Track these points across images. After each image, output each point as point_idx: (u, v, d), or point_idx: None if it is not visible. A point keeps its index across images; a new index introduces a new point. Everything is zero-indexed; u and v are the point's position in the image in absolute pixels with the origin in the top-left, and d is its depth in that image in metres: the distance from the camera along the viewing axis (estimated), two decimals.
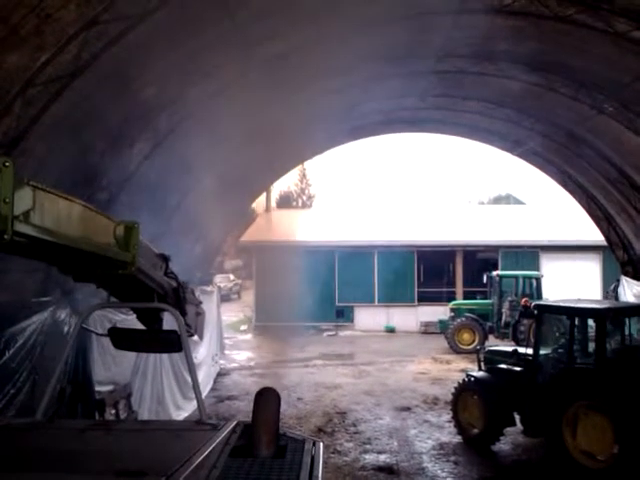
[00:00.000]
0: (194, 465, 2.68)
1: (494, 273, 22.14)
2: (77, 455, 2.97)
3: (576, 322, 9.77)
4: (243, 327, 27.78)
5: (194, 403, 9.05)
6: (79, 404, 6.30)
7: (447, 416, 11.62)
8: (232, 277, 43.43)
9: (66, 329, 7.28)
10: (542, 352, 9.97)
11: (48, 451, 3.07)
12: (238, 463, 3.03)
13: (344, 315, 26.57)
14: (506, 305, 20.68)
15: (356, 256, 26.56)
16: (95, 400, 7.49)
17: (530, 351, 10.11)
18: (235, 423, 3.66)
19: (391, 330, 25.88)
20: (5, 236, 2.16)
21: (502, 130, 18.71)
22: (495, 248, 26.74)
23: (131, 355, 8.71)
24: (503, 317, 20.65)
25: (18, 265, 7.87)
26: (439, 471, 9.29)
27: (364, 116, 17.99)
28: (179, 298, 4.48)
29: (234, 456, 3.13)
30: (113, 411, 7.81)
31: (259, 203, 31.87)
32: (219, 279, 29.49)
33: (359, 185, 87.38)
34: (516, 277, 21.74)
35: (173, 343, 4.23)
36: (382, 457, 9.92)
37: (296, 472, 2.98)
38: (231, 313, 30.29)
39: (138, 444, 3.28)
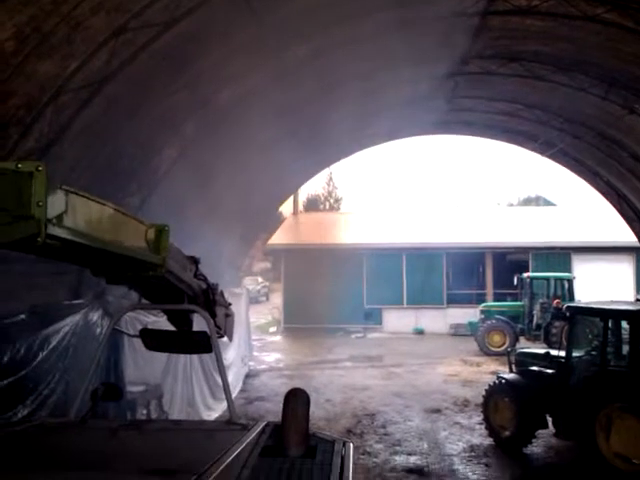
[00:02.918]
0: (224, 464, 2.70)
1: (525, 275, 21.88)
2: (109, 454, 3.01)
3: (609, 324, 9.60)
4: (272, 329, 27.89)
5: (224, 404, 9.12)
6: (111, 404, 6.39)
7: (478, 418, 11.51)
8: (260, 280, 43.65)
9: (98, 331, 7.40)
10: (575, 354, 9.82)
11: (80, 450, 3.12)
12: (268, 462, 3.04)
13: (372, 317, 26.49)
14: (537, 307, 20.42)
15: (384, 258, 26.47)
16: (127, 400, 7.59)
17: (562, 353, 9.96)
18: (265, 423, 3.68)
19: (420, 332, 25.73)
20: (38, 239, 2.19)
21: (531, 131, 18.50)
22: (525, 250, 26.42)
23: (162, 356, 8.81)
24: (534, 319, 20.38)
25: (50, 268, 8.03)
26: (470, 473, 9.20)
27: (389, 119, 17.95)
28: (209, 300, 4.51)
29: (264, 456, 3.15)
30: (145, 411, 7.91)
31: (286, 207, 32.00)
32: (247, 282, 29.66)
33: (386, 188, 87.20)
34: (547, 279, 21.44)
35: (203, 344, 4.27)
36: (412, 459, 9.86)
37: (327, 472, 2.98)
38: (260, 315, 30.43)
39: (169, 443, 3.32)
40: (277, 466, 3.01)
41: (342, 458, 3.25)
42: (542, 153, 19.75)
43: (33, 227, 2.14)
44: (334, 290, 23.75)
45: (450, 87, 15.36)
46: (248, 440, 3.23)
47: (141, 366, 8.28)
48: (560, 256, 25.90)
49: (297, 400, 3.44)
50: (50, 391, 6.57)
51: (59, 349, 6.84)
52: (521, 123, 17.97)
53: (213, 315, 4.48)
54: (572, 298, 19.91)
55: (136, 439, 3.33)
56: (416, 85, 14.86)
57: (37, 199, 2.15)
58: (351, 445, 3.53)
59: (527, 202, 52.16)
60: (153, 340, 4.60)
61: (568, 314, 10.17)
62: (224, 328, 4.94)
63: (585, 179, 20.08)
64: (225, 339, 5.49)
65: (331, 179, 55.63)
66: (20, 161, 2.18)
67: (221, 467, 2.64)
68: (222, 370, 4.22)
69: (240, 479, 2.77)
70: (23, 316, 6.37)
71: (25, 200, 2.12)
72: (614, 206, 19.58)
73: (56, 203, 2.31)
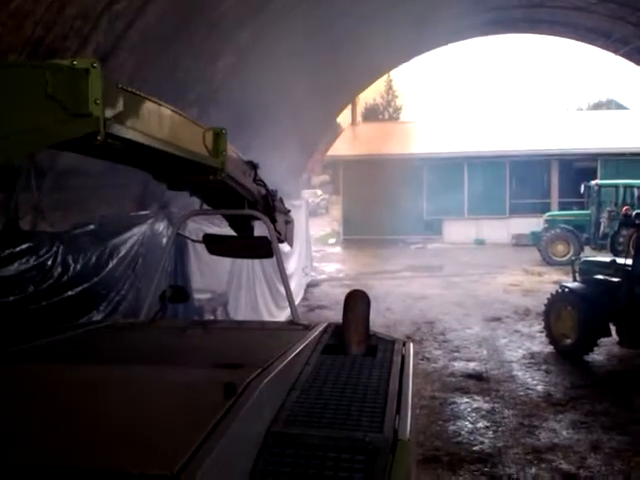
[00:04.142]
0: (288, 360, 2.77)
1: (593, 182, 21.13)
2: (178, 350, 3.14)
3: None
4: (331, 241, 28.17)
5: (287, 312, 9.39)
6: (180, 310, 6.66)
7: (538, 327, 11.49)
8: (319, 192, 43.82)
9: (164, 240, 7.60)
10: None
11: (150, 346, 3.27)
12: (330, 360, 3.11)
13: (432, 228, 26.35)
14: (605, 215, 19.83)
15: (445, 168, 25.96)
16: (195, 307, 7.88)
17: (629, 262, 9.69)
18: (326, 324, 3.75)
19: (481, 243, 25.51)
20: (98, 137, 2.19)
21: (604, 27, 17.25)
22: (594, 156, 25.37)
23: (226, 266, 9.05)
24: (601, 227, 19.85)
25: (117, 181, 8.22)
26: (529, 379, 9.27)
27: (449, 20, 16.99)
28: (268, 205, 4.53)
29: (326, 354, 3.22)
30: (212, 317, 8.21)
31: (344, 117, 31.48)
32: (307, 194, 29.75)
33: (448, 95, 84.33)
34: (616, 186, 20.68)
35: (264, 249, 4.33)
36: (471, 365, 9.99)
37: (387, 369, 3.03)
38: (319, 228, 30.72)
39: (234, 341, 3.44)
40: (338, 363, 3.08)
41: (402, 357, 3.30)
42: (615, 51, 18.51)
43: (91, 125, 2.14)
44: (393, 201, 23.59)
45: None
46: (310, 339, 3.31)
47: (206, 275, 8.53)
48: (631, 162, 24.74)
49: (357, 300, 3.48)
50: (121, 297, 6.86)
51: (128, 258, 7.08)
52: (593, 18, 16.76)
53: (273, 220, 4.51)
54: None
55: (203, 337, 3.46)
56: None
57: (94, 96, 2.13)
58: (411, 345, 3.57)
59: (598, 106, 49.67)
60: (215, 245, 4.70)
61: (638, 221, 9.85)
62: (284, 234, 4.98)
63: None
64: (287, 249, 5.58)
65: (390, 87, 54.16)
66: (75, 58, 2.16)
67: (284, 362, 2.71)
68: (283, 273, 4.29)
69: (303, 374, 2.86)
70: (92, 226, 6.60)
71: (82, 97, 2.10)
72: None
73: (114, 102, 2.30)
